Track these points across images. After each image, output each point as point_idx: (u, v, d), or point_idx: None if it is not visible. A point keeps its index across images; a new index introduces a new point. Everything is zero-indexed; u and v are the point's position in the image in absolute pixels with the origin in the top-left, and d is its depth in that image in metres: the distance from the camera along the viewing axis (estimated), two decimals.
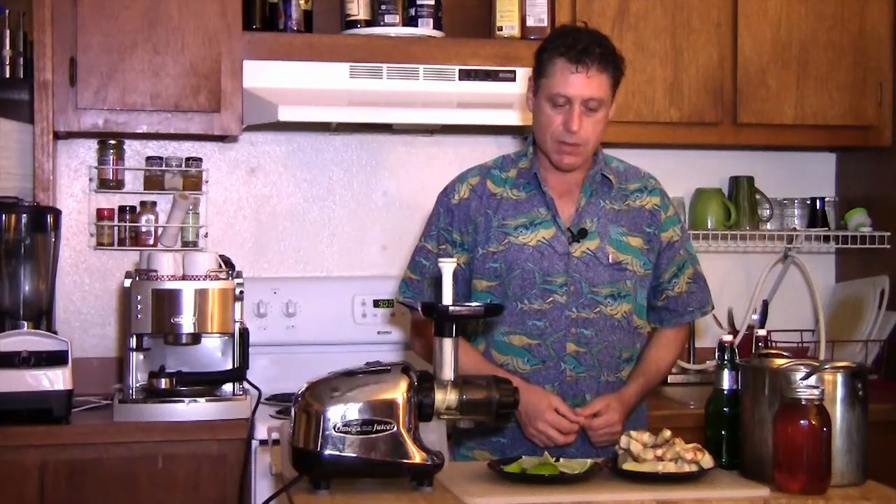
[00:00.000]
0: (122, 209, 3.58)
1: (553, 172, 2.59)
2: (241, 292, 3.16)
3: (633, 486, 2.16)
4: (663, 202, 2.66)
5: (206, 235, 3.66)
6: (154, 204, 3.61)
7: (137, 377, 3.15)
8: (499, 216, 2.59)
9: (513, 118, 3.35)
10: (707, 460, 2.20)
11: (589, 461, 2.26)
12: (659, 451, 2.21)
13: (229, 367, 3.21)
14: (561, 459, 2.27)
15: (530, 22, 3.55)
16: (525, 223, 2.58)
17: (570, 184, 2.60)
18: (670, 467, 2.18)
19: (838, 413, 2.18)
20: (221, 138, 3.60)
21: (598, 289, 2.56)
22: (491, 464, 2.27)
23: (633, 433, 2.27)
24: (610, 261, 2.57)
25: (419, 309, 2.30)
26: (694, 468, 2.19)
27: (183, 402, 3.07)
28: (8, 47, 3.36)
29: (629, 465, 2.21)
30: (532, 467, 2.22)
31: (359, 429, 2.05)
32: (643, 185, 2.66)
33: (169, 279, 3.09)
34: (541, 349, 2.56)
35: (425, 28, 3.50)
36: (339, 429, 2.05)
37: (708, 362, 3.81)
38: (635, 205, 2.63)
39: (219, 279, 3.12)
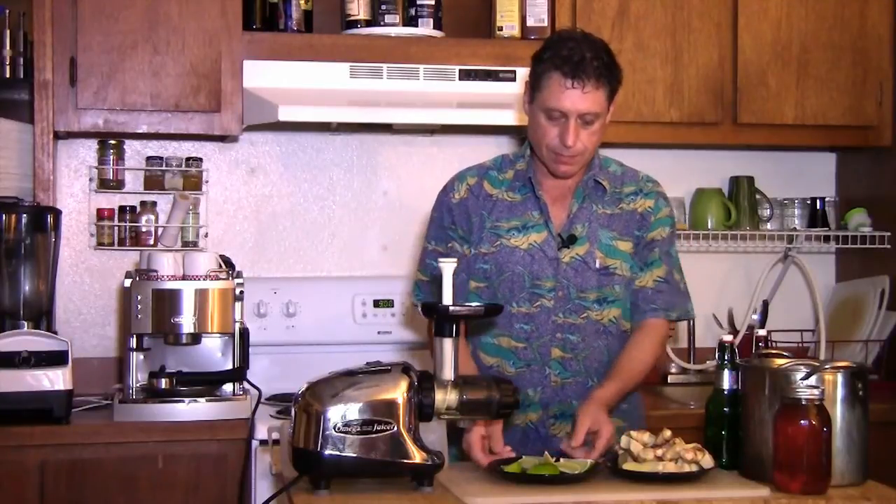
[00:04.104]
0: (122, 209, 3.58)
1: (548, 177, 2.58)
2: (242, 292, 3.16)
3: (633, 486, 2.16)
4: (657, 205, 2.63)
5: (206, 235, 3.66)
6: (154, 204, 3.62)
7: (137, 377, 3.15)
8: (492, 217, 2.58)
9: (513, 118, 3.35)
10: (707, 460, 2.21)
11: (589, 461, 2.26)
12: (659, 451, 2.21)
13: (229, 367, 3.21)
14: (561, 459, 2.27)
15: (530, 22, 3.55)
16: (518, 226, 2.57)
17: (563, 188, 2.59)
18: (670, 467, 2.19)
19: (838, 413, 2.18)
20: (221, 138, 3.60)
21: (585, 294, 2.55)
22: (491, 464, 2.27)
23: (633, 433, 2.27)
24: (597, 265, 2.55)
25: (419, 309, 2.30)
26: (694, 468, 2.19)
27: (183, 402, 3.07)
28: (8, 47, 3.36)
29: (629, 465, 2.22)
30: (532, 467, 2.22)
31: (359, 429, 2.06)
32: (638, 188, 2.63)
33: (169, 279, 3.09)
34: (527, 352, 2.56)
35: (425, 28, 3.50)
36: (339, 429, 2.05)
37: (708, 362, 3.81)
38: (628, 208, 2.60)
39: (219, 279, 3.12)
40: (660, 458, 2.20)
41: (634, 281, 2.61)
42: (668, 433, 2.28)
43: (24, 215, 3.20)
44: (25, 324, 3.17)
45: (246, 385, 3.17)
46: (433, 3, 3.51)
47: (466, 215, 2.60)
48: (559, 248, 2.55)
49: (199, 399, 3.09)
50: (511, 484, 2.16)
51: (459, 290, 2.56)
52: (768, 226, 4.00)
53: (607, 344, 2.59)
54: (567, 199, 2.59)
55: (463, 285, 2.59)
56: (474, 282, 2.59)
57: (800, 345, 3.85)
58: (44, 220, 3.23)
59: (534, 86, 2.49)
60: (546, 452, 2.32)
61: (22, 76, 3.37)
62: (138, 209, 3.59)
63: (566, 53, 2.42)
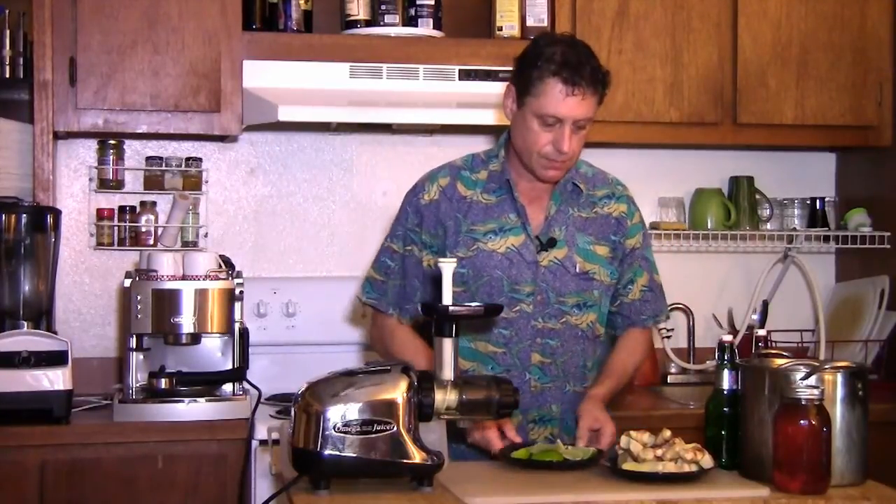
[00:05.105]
0: (121, 209, 3.58)
1: (525, 178, 2.56)
2: (241, 292, 3.16)
3: (633, 486, 2.16)
4: (630, 209, 2.64)
5: (205, 235, 3.66)
6: (154, 204, 3.62)
7: (137, 377, 3.15)
8: (468, 220, 2.56)
9: None
10: (707, 460, 2.21)
11: (592, 449, 2.33)
12: (659, 451, 2.21)
13: (229, 367, 3.21)
14: (569, 448, 2.33)
15: (530, 22, 3.55)
16: (494, 229, 2.55)
17: (540, 190, 2.57)
18: (670, 467, 2.19)
19: (838, 413, 2.18)
20: (221, 138, 3.60)
21: (564, 298, 2.55)
22: (501, 450, 2.33)
23: (633, 433, 2.27)
24: (577, 270, 2.55)
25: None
26: (694, 468, 2.19)
27: (183, 402, 3.07)
28: (8, 47, 3.36)
29: (629, 465, 2.22)
30: (537, 453, 2.30)
31: (359, 429, 2.06)
32: (611, 192, 2.63)
33: (169, 279, 3.08)
34: (506, 358, 2.55)
35: (425, 28, 3.50)
36: (338, 429, 2.05)
37: (708, 362, 3.81)
38: (602, 212, 2.60)
39: (219, 279, 3.12)
40: (660, 458, 2.20)
41: (626, 294, 2.63)
42: (667, 433, 2.28)
43: (24, 215, 3.20)
44: (25, 324, 3.17)
45: (246, 385, 3.17)
46: (433, 3, 3.51)
47: (437, 219, 2.57)
48: (538, 251, 2.54)
49: (198, 399, 3.09)
50: (513, 480, 2.18)
51: (409, 295, 2.57)
52: (768, 226, 4.00)
53: (584, 348, 2.59)
54: (543, 200, 2.57)
55: (413, 291, 2.58)
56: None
57: (800, 345, 3.85)
58: (44, 220, 3.23)
59: (525, 91, 2.45)
60: (559, 441, 2.38)
61: (22, 76, 3.37)
62: (138, 209, 3.59)
63: (560, 59, 2.39)
